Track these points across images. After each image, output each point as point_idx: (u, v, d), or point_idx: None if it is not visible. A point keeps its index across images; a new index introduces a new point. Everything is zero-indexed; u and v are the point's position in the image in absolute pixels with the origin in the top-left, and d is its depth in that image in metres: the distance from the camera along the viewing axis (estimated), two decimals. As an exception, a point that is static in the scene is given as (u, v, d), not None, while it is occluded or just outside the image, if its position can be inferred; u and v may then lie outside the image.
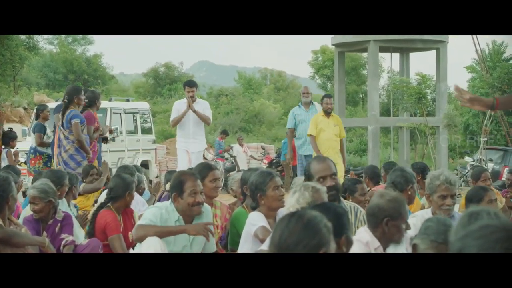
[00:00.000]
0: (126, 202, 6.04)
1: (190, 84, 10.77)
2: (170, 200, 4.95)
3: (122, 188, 5.98)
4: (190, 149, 10.59)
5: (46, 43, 43.32)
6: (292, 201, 4.50)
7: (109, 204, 5.97)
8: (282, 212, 5.05)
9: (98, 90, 11.80)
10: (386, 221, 3.99)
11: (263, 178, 5.07)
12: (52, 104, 13.77)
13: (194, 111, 10.43)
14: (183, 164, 10.38)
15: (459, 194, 9.89)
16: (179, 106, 10.68)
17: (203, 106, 10.69)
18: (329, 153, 10.69)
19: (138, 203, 7.01)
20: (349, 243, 3.28)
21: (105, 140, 11.26)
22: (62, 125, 9.24)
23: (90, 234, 5.88)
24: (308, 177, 5.12)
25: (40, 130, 10.78)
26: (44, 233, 5.51)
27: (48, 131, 10.69)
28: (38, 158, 10.35)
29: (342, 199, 5.32)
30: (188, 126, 10.58)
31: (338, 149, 11.13)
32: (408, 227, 4.07)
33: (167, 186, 5.93)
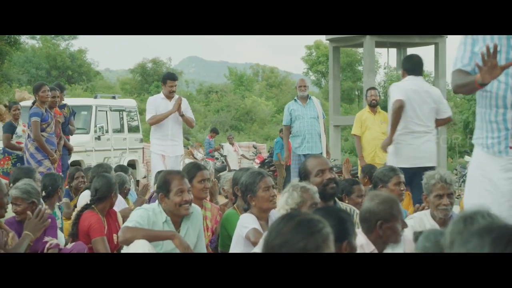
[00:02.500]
0: (112, 202, 6.05)
1: (174, 77, 9.90)
2: (157, 201, 4.98)
3: (108, 188, 5.99)
4: (167, 152, 9.62)
5: (28, 37, 43.17)
6: (281, 202, 4.54)
7: (92, 206, 5.97)
8: (274, 214, 5.08)
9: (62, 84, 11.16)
10: (380, 224, 4.00)
11: (253, 178, 5.09)
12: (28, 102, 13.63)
13: (182, 116, 9.63)
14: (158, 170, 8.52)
15: (459, 195, 9.92)
16: (155, 102, 9.72)
17: (184, 106, 9.77)
18: (376, 153, 10.10)
19: (120, 203, 6.99)
20: (352, 249, 3.27)
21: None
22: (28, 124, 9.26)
23: (73, 237, 5.88)
24: (305, 174, 5.16)
25: (7, 130, 10.32)
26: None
27: (19, 129, 10.30)
28: (7, 158, 10.04)
29: (337, 200, 5.35)
30: (166, 126, 9.63)
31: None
32: (404, 226, 4.09)
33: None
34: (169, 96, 9.66)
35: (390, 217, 4.02)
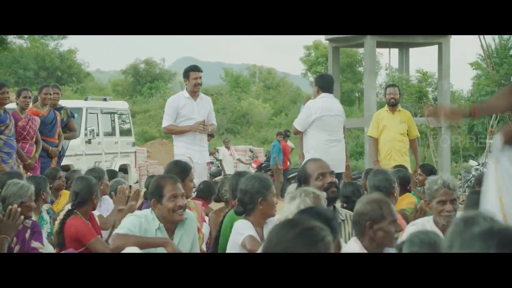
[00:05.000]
0: (93, 205, 6.03)
1: (198, 68, 9.01)
2: (150, 208, 4.97)
3: (88, 190, 5.96)
4: (195, 158, 8.78)
5: (15, 37, 43.13)
6: (292, 208, 4.48)
7: (75, 210, 5.94)
8: (270, 221, 5.07)
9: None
10: (370, 225, 3.98)
11: (266, 182, 5.11)
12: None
13: (206, 132, 9.01)
14: None
15: (463, 200, 9.90)
16: (178, 104, 8.87)
17: (208, 108, 9.09)
18: (392, 156, 9.72)
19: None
20: (340, 247, 3.31)
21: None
22: None
23: (60, 246, 5.84)
24: (305, 178, 5.16)
25: None
26: (15, 239, 5.49)
27: None
28: None
29: (337, 207, 5.35)
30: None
31: (405, 151, 9.92)
32: (398, 228, 4.09)
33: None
34: (194, 91, 8.87)
35: (379, 217, 4.00)
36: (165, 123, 8.86)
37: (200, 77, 8.89)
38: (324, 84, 8.67)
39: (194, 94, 8.89)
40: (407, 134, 9.99)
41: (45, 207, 6.92)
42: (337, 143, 8.60)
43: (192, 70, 8.90)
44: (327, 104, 8.54)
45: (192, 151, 8.80)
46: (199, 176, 8.64)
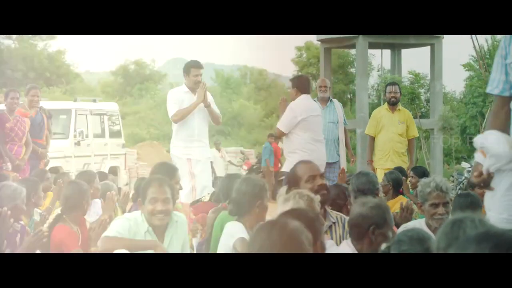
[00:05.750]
0: (84, 210, 5.96)
1: (199, 64, 8.78)
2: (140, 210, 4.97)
3: (79, 195, 5.90)
4: (194, 155, 8.55)
5: (3, 37, 42.99)
6: (285, 209, 4.49)
7: (64, 216, 5.89)
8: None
9: None
10: (373, 230, 4.00)
11: (265, 186, 5.14)
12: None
13: (207, 107, 8.61)
14: (183, 178, 7.43)
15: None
16: (178, 95, 8.67)
17: (209, 98, 8.71)
18: (391, 156, 9.82)
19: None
20: (324, 248, 3.32)
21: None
22: None
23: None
24: (295, 180, 5.15)
25: None
26: (5, 243, 5.47)
27: None
28: None
29: (328, 209, 5.34)
30: (192, 125, 8.60)
31: (403, 152, 9.98)
32: (394, 234, 4.10)
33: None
34: (193, 88, 8.61)
35: (383, 222, 4.03)
36: (171, 111, 8.58)
37: (201, 74, 8.67)
38: (302, 85, 8.78)
39: (193, 89, 8.66)
40: (406, 133, 10.04)
41: (38, 210, 6.90)
42: (320, 143, 8.69)
43: (193, 67, 8.69)
44: (309, 105, 8.69)
45: (190, 150, 8.59)
46: (203, 172, 8.65)
